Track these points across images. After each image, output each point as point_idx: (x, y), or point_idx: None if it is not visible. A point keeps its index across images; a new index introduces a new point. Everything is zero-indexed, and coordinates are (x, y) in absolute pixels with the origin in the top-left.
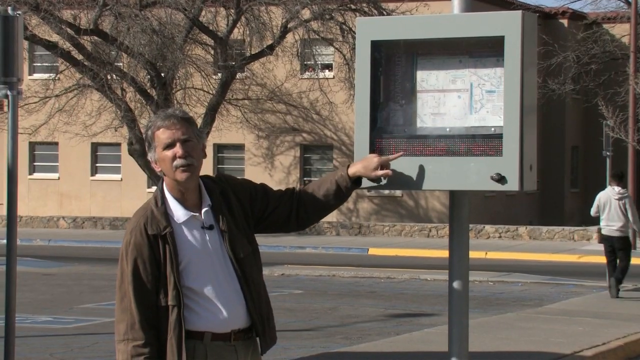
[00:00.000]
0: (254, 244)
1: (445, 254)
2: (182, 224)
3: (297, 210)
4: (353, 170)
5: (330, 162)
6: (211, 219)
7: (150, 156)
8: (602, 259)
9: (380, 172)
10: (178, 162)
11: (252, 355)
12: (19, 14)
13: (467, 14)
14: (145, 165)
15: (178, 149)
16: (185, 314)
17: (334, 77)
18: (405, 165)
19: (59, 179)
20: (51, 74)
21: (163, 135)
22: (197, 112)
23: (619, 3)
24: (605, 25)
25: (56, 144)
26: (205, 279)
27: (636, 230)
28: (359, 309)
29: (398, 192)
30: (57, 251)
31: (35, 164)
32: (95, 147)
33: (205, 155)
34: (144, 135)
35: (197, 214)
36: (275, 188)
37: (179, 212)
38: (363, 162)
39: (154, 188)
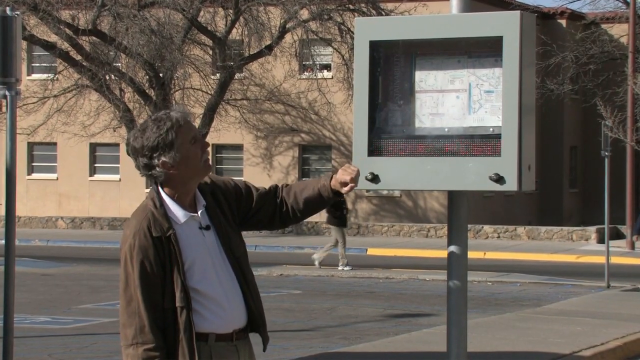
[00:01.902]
0: (244, 243)
1: (443, 254)
2: (182, 225)
3: (281, 210)
4: (334, 182)
5: (328, 163)
6: (207, 219)
7: (168, 158)
8: (601, 259)
9: (345, 189)
10: (207, 154)
11: (249, 354)
12: (17, 14)
13: (465, 14)
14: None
15: (204, 142)
16: (192, 317)
17: (332, 78)
18: (404, 165)
19: (57, 179)
20: (50, 74)
21: (190, 131)
22: (196, 113)
23: (618, 3)
24: (603, 26)
25: (55, 144)
26: (208, 280)
27: None
28: (358, 309)
29: (397, 193)
30: (56, 251)
31: (33, 164)
32: (93, 147)
33: None
34: (157, 139)
35: (195, 215)
36: None
37: (178, 213)
38: (337, 177)
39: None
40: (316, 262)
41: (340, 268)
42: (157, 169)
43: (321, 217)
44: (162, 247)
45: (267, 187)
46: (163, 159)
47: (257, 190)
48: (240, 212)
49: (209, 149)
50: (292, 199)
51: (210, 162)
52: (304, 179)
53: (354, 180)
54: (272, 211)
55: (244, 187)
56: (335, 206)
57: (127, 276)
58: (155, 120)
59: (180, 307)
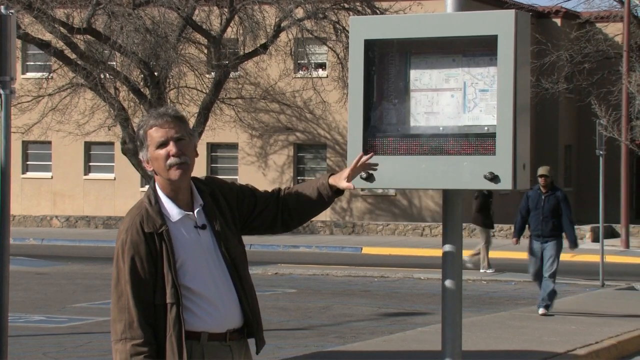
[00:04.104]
0: (243, 245)
1: (438, 253)
2: (176, 223)
3: (282, 213)
4: (332, 181)
5: (323, 162)
6: (203, 218)
7: (141, 155)
8: (595, 258)
9: (344, 185)
10: (172, 160)
11: (245, 355)
12: (11, 13)
13: (460, 13)
14: (139, 165)
15: (172, 147)
16: (182, 314)
17: (327, 76)
18: (399, 164)
19: (52, 178)
20: (44, 73)
21: (156, 133)
22: (191, 111)
23: (612, 2)
24: (598, 25)
25: (49, 143)
26: (202, 279)
27: None
28: (353, 308)
29: (392, 191)
30: (50, 250)
31: (28, 163)
32: (88, 146)
33: (197, 155)
34: (135, 135)
35: (191, 213)
36: (269, 188)
37: (173, 211)
38: (339, 174)
39: (147, 187)
40: (469, 265)
41: (482, 271)
42: (142, 163)
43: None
44: (154, 243)
45: (270, 190)
46: (141, 153)
47: (260, 193)
48: (242, 214)
49: (185, 153)
50: (294, 201)
51: (183, 169)
52: (299, 178)
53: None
54: (274, 214)
55: (247, 190)
56: (484, 206)
57: (119, 272)
58: (145, 114)
59: (170, 303)
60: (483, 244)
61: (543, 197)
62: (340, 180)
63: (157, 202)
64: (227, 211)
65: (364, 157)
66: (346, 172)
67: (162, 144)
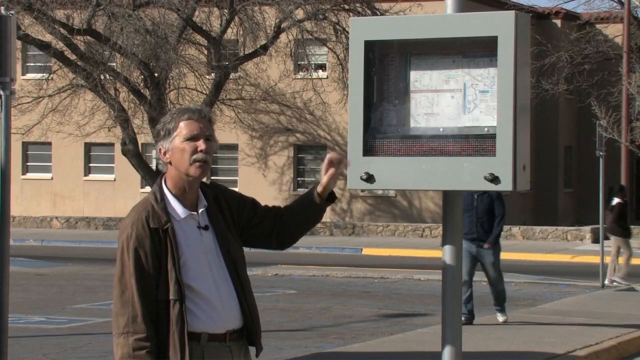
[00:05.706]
0: (242, 250)
1: (438, 254)
2: (180, 221)
3: (278, 230)
4: (320, 188)
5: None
6: (206, 219)
7: (161, 144)
8: (595, 259)
9: (324, 180)
10: (199, 156)
11: (245, 355)
12: (11, 14)
13: (460, 14)
14: (139, 165)
15: (202, 144)
16: (185, 312)
17: (327, 77)
18: (399, 165)
19: (52, 179)
20: (44, 74)
21: (190, 126)
22: None
23: (612, 3)
24: (598, 26)
25: (49, 144)
26: (203, 278)
27: None
28: (353, 309)
29: (392, 192)
30: (50, 251)
31: (28, 163)
32: (88, 147)
33: None
34: (161, 123)
35: (194, 213)
36: (268, 188)
37: (178, 210)
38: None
39: (147, 188)
40: (622, 282)
41: (606, 282)
42: (157, 153)
43: None
44: (158, 239)
45: (270, 205)
46: (162, 142)
47: (260, 205)
48: (240, 222)
49: (210, 153)
50: (289, 215)
51: (204, 168)
52: (299, 179)
53: (336, 169)
54: (270, 229)
55: (248, 200)
56: (623, 215)
57: (123, 265)
58: (176, 108)
59: (173, 299)
60: (615, 252)
61: (476, 196)
62: (322, 184)
63: (163, 200)
64: (228, 216)
65: (330, 172)
66: (324, 180)
67: (193, 138)
